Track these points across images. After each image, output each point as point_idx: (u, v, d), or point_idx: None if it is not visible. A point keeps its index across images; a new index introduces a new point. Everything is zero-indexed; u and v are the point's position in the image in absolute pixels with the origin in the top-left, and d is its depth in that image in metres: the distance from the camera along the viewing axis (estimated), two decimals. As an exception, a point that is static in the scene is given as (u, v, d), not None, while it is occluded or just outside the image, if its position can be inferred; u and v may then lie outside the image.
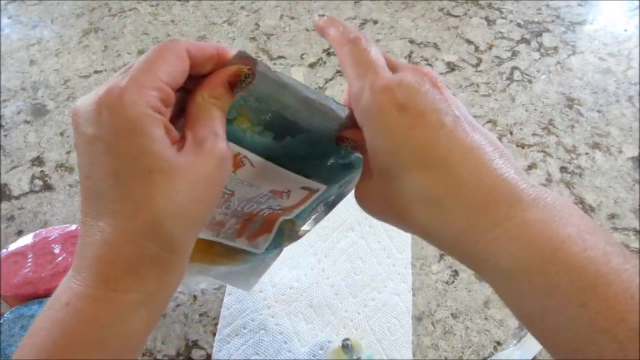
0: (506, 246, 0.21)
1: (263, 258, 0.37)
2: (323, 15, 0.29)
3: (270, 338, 0.45)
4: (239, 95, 0.25)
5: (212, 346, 0.45)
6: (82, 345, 0.20)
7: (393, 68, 0.26)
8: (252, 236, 0.34)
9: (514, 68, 0.68)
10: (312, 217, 0.36)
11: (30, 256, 0.44)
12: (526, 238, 0.21)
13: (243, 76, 0.24)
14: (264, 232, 0.34)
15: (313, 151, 0.30)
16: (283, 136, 0.28)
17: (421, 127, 0.24)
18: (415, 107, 0.24)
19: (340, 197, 0.34)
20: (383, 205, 0.26)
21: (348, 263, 0.50)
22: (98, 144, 0.20)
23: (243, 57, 0.25)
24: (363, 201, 0.28)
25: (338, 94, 0.64)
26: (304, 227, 0.36)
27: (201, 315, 0.47)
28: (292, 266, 0.50)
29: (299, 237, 0.36)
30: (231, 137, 0.26)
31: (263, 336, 0.45)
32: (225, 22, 0.73)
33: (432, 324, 0.46)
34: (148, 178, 0.20)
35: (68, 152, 0.59)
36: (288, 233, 0.36)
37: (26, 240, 0.46)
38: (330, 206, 0.35)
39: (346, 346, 0.41)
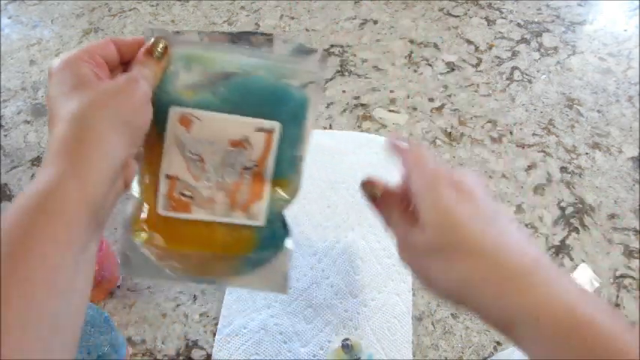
0: (550, 303, 0.26)
1: (276, 246, 0.38)
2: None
3: (270, 338, 0.45)
4: (164, 61, 0.33)
5: (212, 346, 0.45)
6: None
7: None
8: (245, 206, 0.36)
9: (514, 68, 0.68)
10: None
11: (30, 256, 0.44)
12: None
13: (157, 43, 0.33)
14: (255, 199, 0.36)
15: (249, 92, 0.34)
16: (217, 88, 0.34)
17: (468, 201, 0.29)
18: (472, 191, 0.30)
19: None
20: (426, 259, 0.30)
21: (347, 263, 0.50)
22: (58, 82, 0.33)
23: (157, 34, 0.33)
24: (406, 259, 0.32)
25: (338, 94, 0.64)
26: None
27: (201, 315, 0.47)
28: (292, 266, 0.50)
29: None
30: (174, 102, 0.34)
31: (263, 336, 0.45)
32: (225, 22, 0.73)
33: (432, 324, 0.46)
34: (76, 91, 0.31)
35: (68, 152, 0.59)
36: (280, 204, 0.38)
37: (26, 240, 0.46)
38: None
39: (346, 346, 0.41)
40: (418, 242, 0.30)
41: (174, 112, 0.34)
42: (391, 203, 0.34)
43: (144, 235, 0.38)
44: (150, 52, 0.33)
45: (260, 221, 0.37)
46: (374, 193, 0.35)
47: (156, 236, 0.38)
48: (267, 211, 0.37)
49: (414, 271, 0.31)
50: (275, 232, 0.38)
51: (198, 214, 0.37)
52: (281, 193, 0.37)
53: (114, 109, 0.30)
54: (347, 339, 0.41)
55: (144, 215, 0.38)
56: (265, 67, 0.35)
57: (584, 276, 0.47)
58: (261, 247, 0.38)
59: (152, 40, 0.33)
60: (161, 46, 0.33)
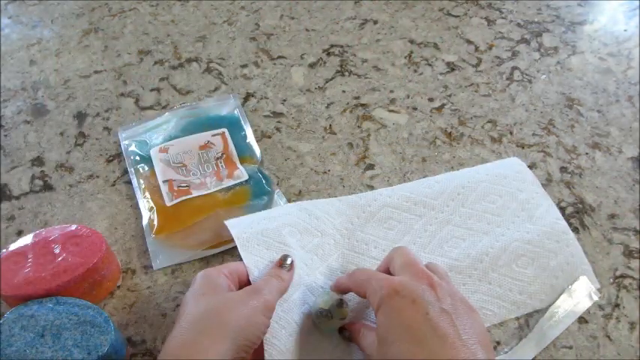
0: None
1: (266, 191, 0.53)
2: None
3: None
4: (291, 272, 0.42)
5: (212, 346, 0.45)
6: None
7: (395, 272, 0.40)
8: (229, 175, 0.53)
9: (514, 68, 0.68)
10: None
11: (30, 256, 0.44)
12: None
13: (285, 258, 0.43)
14: (234, 169, 0.54)
15: (198, 123, 0.60)
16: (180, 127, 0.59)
17: (412, 310, 0.35)
18: (409, 296, 0.35)
19: None
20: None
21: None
22: (196, 286, 0.39)
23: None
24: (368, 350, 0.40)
25: (338, 94, 0.64)
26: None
27: (201, 315, 0.47)
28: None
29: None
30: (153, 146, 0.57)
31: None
32: (225, 22, 0.73)
33: (432, 324, 0.46)
34: (205, 296, 0.38)
35: (68, 152, 0.59)
36: (252, 167, 0.55)
37: (26, 240, 0.46)
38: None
39: (339, 304, 0.42)
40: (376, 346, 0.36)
41: (154, 151, 0.55)
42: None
43: (160, 229, 0.50)
44: (280, 264, 0.42)
45: (245, 177, 0.53)
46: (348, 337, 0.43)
47: (170, 225, 0.50)
48: (246, 172, 0.53)
49: None
50: (259, 181, 0.53)
51: (197, 193, 0.51)
52: (248, 164, 0.55)
53: (228, 316, 0.35)
54: (343, 299, 0.42)
55: (155, 214, 0.50)
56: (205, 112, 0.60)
57: (584, 289, 0.47)
58: (254, 195, 0.52)
59: (281, 255, 0.43)
60: (289, 260, 0.42)
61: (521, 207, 0.52)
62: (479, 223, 0.51)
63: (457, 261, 0.48)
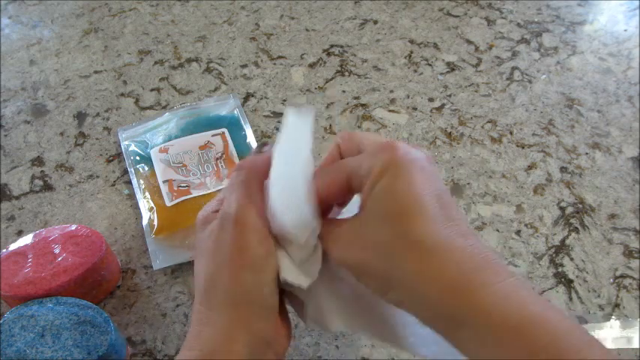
0: (502, 301, 0.24)
1: None
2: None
3: None
4: None
5: (212, 346, 0.45)
6: None
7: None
8: (229, 175, 0.53)
9: (514, 68, 0.68)
10: None
11: (30, 256, 0.44)
12: (516, 298, 0.24)
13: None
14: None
15: (199, 123, 0.59)
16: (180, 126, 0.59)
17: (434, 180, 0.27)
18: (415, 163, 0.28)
19: None
20: (366, 251, 0.28)
21: None
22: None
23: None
24: (339, 245, 0.30)
25: (338, 94, 0.64)
26: None
27: (201, 315, 0.47)
28: None
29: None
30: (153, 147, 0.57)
31: None
32: (225, 22, 0.73)
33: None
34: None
35: (68, 152, 0.59)
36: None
37: (26, 240, 0.46)
38: None
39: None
40: (359, 234, 0.28)
41: (153, 151, 0.55)
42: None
43: (160, 229, 0.50)
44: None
45: None
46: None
47: (170, 225, 0.50)
48: None
49: (347, 266, 0.29)
50: None
51: (197, 193, 0.52)
52: None
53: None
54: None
55: (155, 215, 0.50)
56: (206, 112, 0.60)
57: None
58: None
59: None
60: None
61: None
62: None
63: None
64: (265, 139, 0.34)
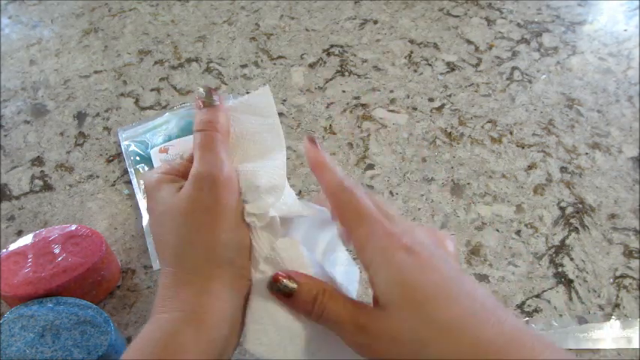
0: None
1: None
2: (314, 142, 0.33)
3: None
4: None
5: (212, 346, 0.45)
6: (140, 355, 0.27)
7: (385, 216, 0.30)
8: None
9: (514, 68, 0.68)
10: None
11: (30, 256, 0.44)
12: None
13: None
14: None
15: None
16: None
17: (431, 269, 0.26)
18: (422, 252, 0.27)
19: None
20: (395, 344, 0.26)
21: None
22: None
23: None
24: (366, 341, 0.27)
25: (338, 94, 0.64)
26: None
27: (201, 315, 0.47)
28: None
29: None
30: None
31: None
32: (225, 22, 0.73)
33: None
34: None
35: (68, 152, 0.59)
36: None
37: (26, 240, 0.46)
38: None
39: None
40: (381, 327, 0.26)
41: (153, 151, 0.55)
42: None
43: None
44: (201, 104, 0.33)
45: None
46: (290, 288, 0.29)
47: None
48: None
49: (374, 357, 0.27)
50: None
51: None
52: None
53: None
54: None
55: None
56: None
57: None
58: None
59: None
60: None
61: None
62: None
63: None
64: (207, 85, 0.32)
